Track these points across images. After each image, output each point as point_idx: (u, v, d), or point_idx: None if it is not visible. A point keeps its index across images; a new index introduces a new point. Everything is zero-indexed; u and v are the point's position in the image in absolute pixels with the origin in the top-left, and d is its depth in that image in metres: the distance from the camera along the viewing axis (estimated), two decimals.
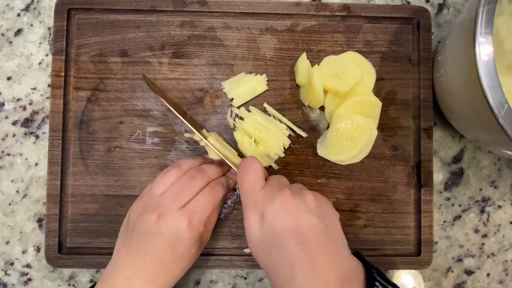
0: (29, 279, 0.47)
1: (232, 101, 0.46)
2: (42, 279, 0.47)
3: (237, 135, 0.44)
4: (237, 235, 0.46)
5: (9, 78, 0.47)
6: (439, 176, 0.49)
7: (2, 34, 0.47)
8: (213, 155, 0.43)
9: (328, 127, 0.46)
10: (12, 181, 0.47)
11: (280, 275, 0.33)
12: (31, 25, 0.47)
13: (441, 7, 0.50)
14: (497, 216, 0.49)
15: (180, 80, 0.46)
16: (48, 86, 0.47)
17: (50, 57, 0.47)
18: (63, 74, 0.45)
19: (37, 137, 0.47)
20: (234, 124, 0.45)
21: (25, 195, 0.47)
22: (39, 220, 0.47)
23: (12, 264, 0.46)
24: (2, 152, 0.47)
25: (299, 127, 0.46)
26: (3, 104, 0.47)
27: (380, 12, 0.47)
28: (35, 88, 0.47)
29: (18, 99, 0.47)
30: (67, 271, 0.47)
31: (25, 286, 0.46)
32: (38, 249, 0.46)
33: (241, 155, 0.45)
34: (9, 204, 0.46)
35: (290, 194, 0.34)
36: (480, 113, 0.35)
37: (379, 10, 0.47)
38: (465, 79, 0.36)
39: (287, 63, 0.46)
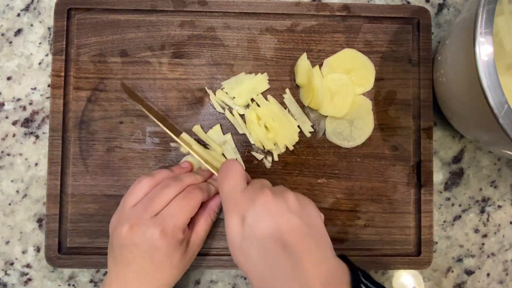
0: (29, 279, 0.47)
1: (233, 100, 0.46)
2: (42, 279, 0.47)
3: (248, 114, 0.44)
4: None
5: (9, 78, 0.47)
6: (439, 176, 0.49)
7: (2, 34, 0.47)
8: (194, 160, 0.43)
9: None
10: (12, 181, 0.47)
11: (261, 279, 0.32)
12: (31, 25, 0.47)
13: (441, 7, 0.50)
14: (497, 216, 0.49)
15: (180, 80, 0.46)
16: (48, 86, 0.47)
17: (50, 57, 0.47)
18: (63, 74, 0.45)
19: (37, 137, 0.47)
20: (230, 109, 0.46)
21: (25, 195, 0.47)
22: (39, 220, 0.47)
23: (12, 264, 0.46)
24: (2, 152, 0.47)
25: (299, 127, 0.46)
26: (3, 104, 0.47)
27: (380, 12, 0.47)
28: (35, 88, 0.47)
29: (18, 99, 0.47)
30: (67, 271, 0.47)
31: (25, 286, 0.46)
32: (38, 249, 0.46)
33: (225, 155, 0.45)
34: (9, 204, 0.46)
35: (271, 194, 0.34)
36: (480, 113, 0.35)
37: (379, 10, 0.47)
38: (465, 79, 0.36)
39: (287, 63, 0.46)
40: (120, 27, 0.46)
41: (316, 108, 0.46)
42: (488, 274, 0.49)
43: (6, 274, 0.46)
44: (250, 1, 0.46)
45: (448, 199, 0.49)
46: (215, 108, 0.46)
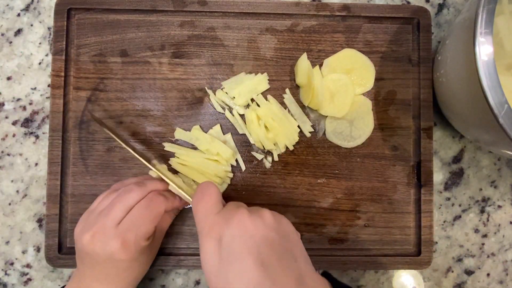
0: (29, 279, 0.47)
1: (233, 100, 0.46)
2: (42, 279, 0.47)
3: (248, 114, 0.44)
4: None
5: (9, 78, 0.47)
6: (439, 176, 0.49)
7: (2, 34, 0.47)
8: (170, 187, 0.41)
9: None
10: (12, 181, 0.47)
11: None
12: (31, 25, 0.47)
13: (441, 7, 0.50)
14: (497, 216, 0.49)
15: (180, 80, 0.46)
16: (48, 86, 0.47)
17: (50, 57, 0.47)
18: (63, 74, 0.45)
19: (37, 137, 0.47)
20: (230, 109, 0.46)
21: (25, 195, 0.47)
22: (39, 220, 0.47)
23: (12, 264, 0.46)
24: (2, 152, 0.47)
25: (299, 127, 0.46)
26: (3, 104, 0.47)
27: (380, 12, 0.47)
28: (35, 88, 0.47)
29: (18, 99, 0.47)
30: (67, 271, 0.47)
31: (25, 286, 0.46)
32: (38, 249, 0.46)
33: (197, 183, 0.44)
34: (9, 204, 0.46)
35: (247, 212, 0.33)
36: (480, 113, 0.35)
37: (379, 10, 0.47)
38: (465, 79, 0.36)
39: (287, 63, 0.46)
40: (120, 27, 0.46)
41: (316, 108, 0.46)
42: (488, 274, 0.49)
43: (6, 274, 0.46)
44: (250, 1, 0.46)
45: (448, 199, 0.49)
46: (215, 108, 0.46)
